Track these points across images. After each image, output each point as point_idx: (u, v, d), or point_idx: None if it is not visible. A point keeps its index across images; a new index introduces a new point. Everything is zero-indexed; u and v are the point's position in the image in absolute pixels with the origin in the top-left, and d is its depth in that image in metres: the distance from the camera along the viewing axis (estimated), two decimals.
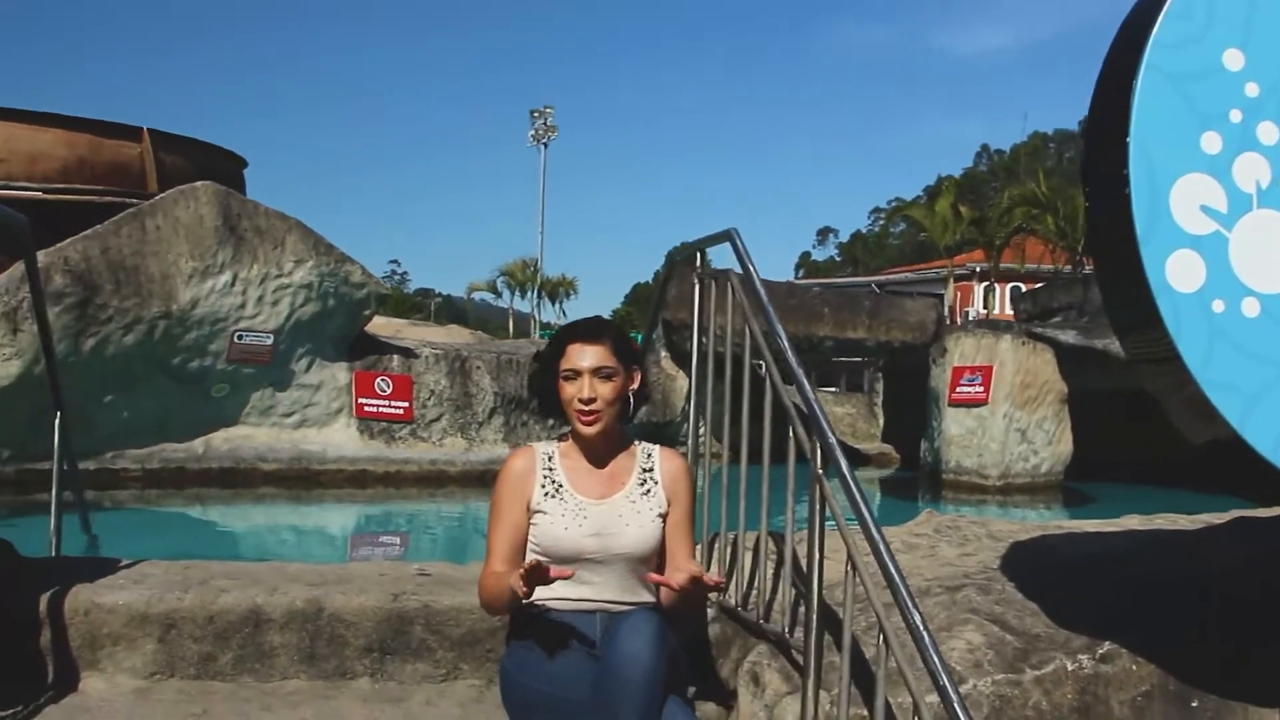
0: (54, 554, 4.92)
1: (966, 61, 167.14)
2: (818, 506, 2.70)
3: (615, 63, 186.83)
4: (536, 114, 62.82)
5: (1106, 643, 2.89)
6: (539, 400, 2.89)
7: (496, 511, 2.78)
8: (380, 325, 13.87)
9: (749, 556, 3.37)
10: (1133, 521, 4.74)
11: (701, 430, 3.80)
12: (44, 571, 3.71)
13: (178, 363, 9.54)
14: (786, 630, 3.00)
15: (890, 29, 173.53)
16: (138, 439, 9.46)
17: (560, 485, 2.77)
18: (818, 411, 2.73)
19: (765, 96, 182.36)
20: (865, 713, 2.61)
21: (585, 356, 2.74)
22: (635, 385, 2.82)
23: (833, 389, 20.42)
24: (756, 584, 3.24)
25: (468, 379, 11.11)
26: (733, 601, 3.38)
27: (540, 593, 2.56)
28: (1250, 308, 2.32)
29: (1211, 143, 2.33)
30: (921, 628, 2.21)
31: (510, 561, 2.70)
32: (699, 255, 3.90)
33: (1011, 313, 23.84)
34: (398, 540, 8.87)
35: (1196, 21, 2.33)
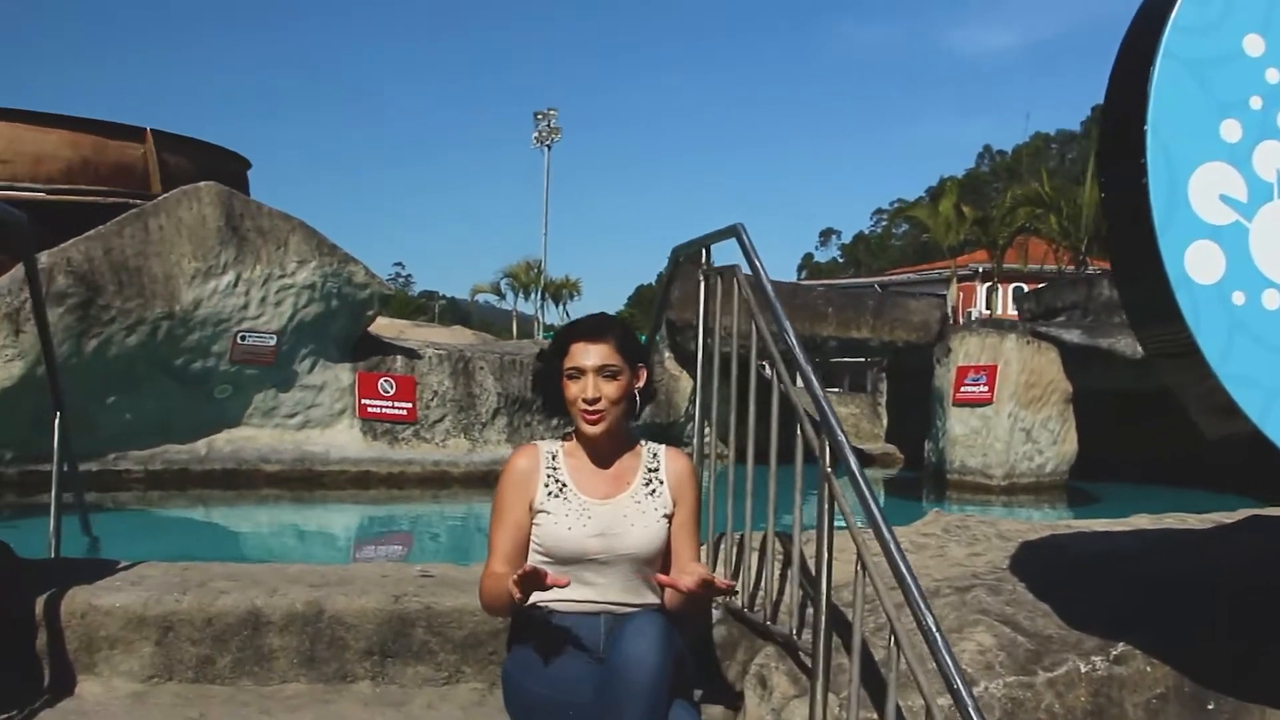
0: (53, 555, 4.88)
1: (968, 62, 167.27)
2: (826, 506, 2.64)
3: (618, 64, 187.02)
4: (540, 116, 62.98)
5: (1120, 644, 2.84)
6: (543, 399, 2.83)
7: (498, 511, 2.73)
8: (383, 326, 13.85)
9: (755, 557, 3.32)
10: (1142, 521, 4.69)
11: (706, 429, 3.75)
12: (42, 573, 3.67)
13: (180, 364, 9.52)
14: (794, 632, 2.95)
15: (892, 30, 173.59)
16: (140, 440, 9.43)
17: (564, 485, 2.72)
18: (827, 409, 2.68)
19: (767, 98, 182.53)
20: (875, 716, 2.56)
21: (589, 355, 2.69)
22: (640, 384, 2.76)
23: (836, 389, 20.35)
24: (763, 585, 3.19)
25: (471, 380, 11.07)
26: (739, 603, 3.33)
27: (543, 594, 2.51)
28: (1271, 300, 2.27)
29: (1231, 130, 2.27)
30: (934, 629, 2.16)
31: (512, 562, 2.65)
32: (704, 252, 3.85)
33: (1015, 313, 23.80)
34: (400, 541, 8.83)
35: (1215, 6, 2.27)
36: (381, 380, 10.56)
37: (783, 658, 2.97)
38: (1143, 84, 2.26)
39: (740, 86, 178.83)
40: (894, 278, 51.45)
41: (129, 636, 3.32)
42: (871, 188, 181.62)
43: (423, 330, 21.31)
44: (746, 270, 3.47)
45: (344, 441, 10.33)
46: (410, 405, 10.65)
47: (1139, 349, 12.01)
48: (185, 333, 9.40)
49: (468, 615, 3.41)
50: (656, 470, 2.78)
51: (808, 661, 2.75)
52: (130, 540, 6.99)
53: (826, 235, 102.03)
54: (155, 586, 3.47)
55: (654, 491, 2.75)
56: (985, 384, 11.86)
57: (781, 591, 3.13)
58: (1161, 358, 2.40)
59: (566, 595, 2.60)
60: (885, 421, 16.40)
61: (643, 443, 2.84)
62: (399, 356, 10.85)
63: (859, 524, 2.55)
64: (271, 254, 9.75)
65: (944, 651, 2.12)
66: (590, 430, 2.69)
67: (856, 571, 2.47)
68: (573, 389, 2.69)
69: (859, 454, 2.64)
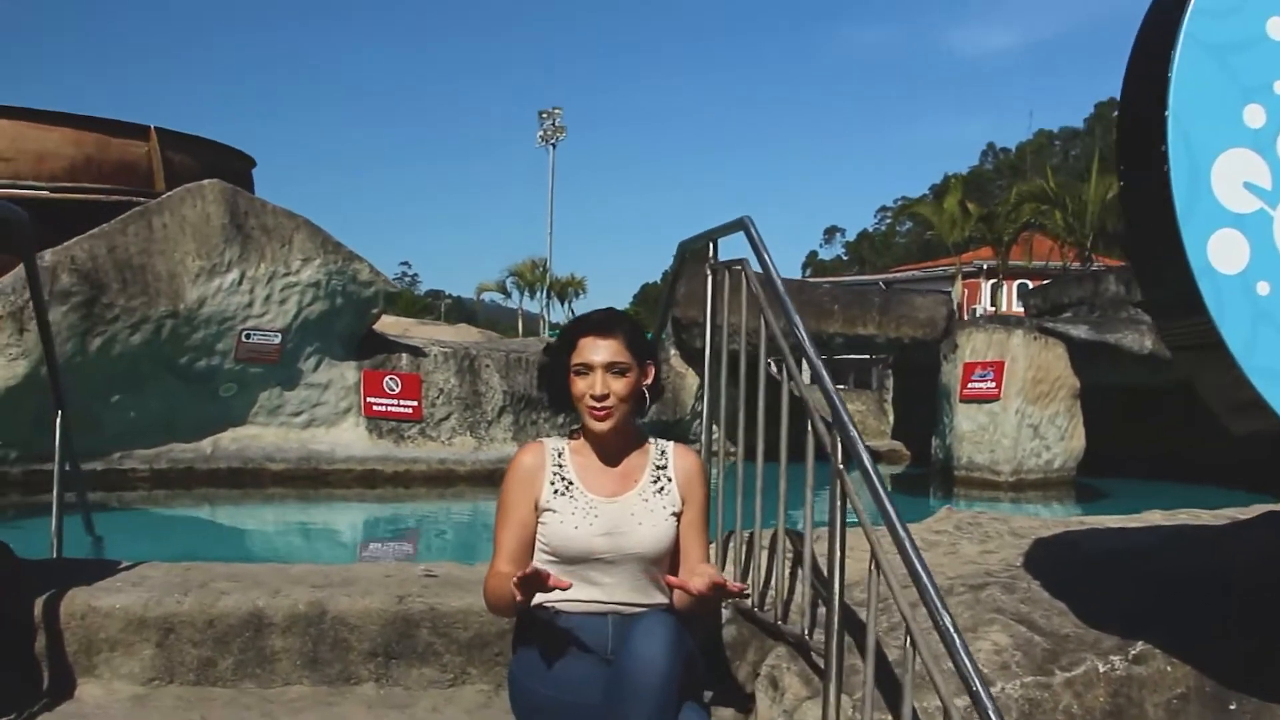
0: (55, 555, 4.84)
1: (970, 62, 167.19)
2: (839, 503, 2.59)
3: (622, 64, 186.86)
4: (545, 115, 62.96)
5: (1139, 643, 2.78)
6: (548, 395, 2.77)
7: (503, 509, 2.67)
8: (389, 325, 13.82)
9: (765, 555, 3.27)
10: (1156, 517, 4.64)
11: (714, 427, 3.69)
12: (42, 574, 3.62)
13: (185, 362, 9.49)
14: (806, 632, 2.90)
15: (892, 31, 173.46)
16: (145, 439, 9.41)
17: (570, 483, 2.66)
18: (838, 404, 2.62)
19: (771, 97, 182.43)
20: (889, 718, 2.50)
21: (598, 351, 2.63)
22: (649, 380, 2.71)
23: (841, 386, 20.29)
24: (774, 584, 3.13)
25: (477, 377, 11.03)
26: (749, 602, 3.27)
27: (549, 594, 2.45)
28: None
29: (1255, 116, 2.21)
30: (952, 629, 2.10)
31: (517, 561, 2.60)
32: (711, 246, 3.79)
33: (1020, 309, 23.72)
34: (406, 540, 8.79)
35: None
36: (387, 378, 10.52)
37: (794, 658, 2.92)
38: (1163, 70, 2.20)
39: (744, 86, 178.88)
40: (898, 275, 51.35)
41: (129, 638, 3.27)
42: (875, 186, 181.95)
43: (428, 328, 21.27)
44: (754, 264, 3.41)
45: (349, 440, 10.30)
46: (416, 403, 10.62)
47: (1146, 344, 12.07)
48: (190, 331, 9.37)
49: (473, 616, 3.36)
50: (665, 468, 2.72)
51: (820, 662, 2.70)
52: (135, 539, 6.97)
53: (831, 233, 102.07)
54: (156, 587, 3.42)
55: (662, 489, 2.69)
56: (992, 380, 11.82)
57: (792, 590, 3.08)
58: (1183, 351, 2.34)
59: (573, 595, 2.55)
60: (891, 418, 16.37)
61: (651, 440, 2.78)
62: (404, 354, 10.82)
63: (871, 522, 2.49)
64: (276, 252, 9.71)
65: (962, 653, 2.07)
66: (598, 427, 2.64)
67: (871, 570, 2.41)
68: (580, 385, 2.63)
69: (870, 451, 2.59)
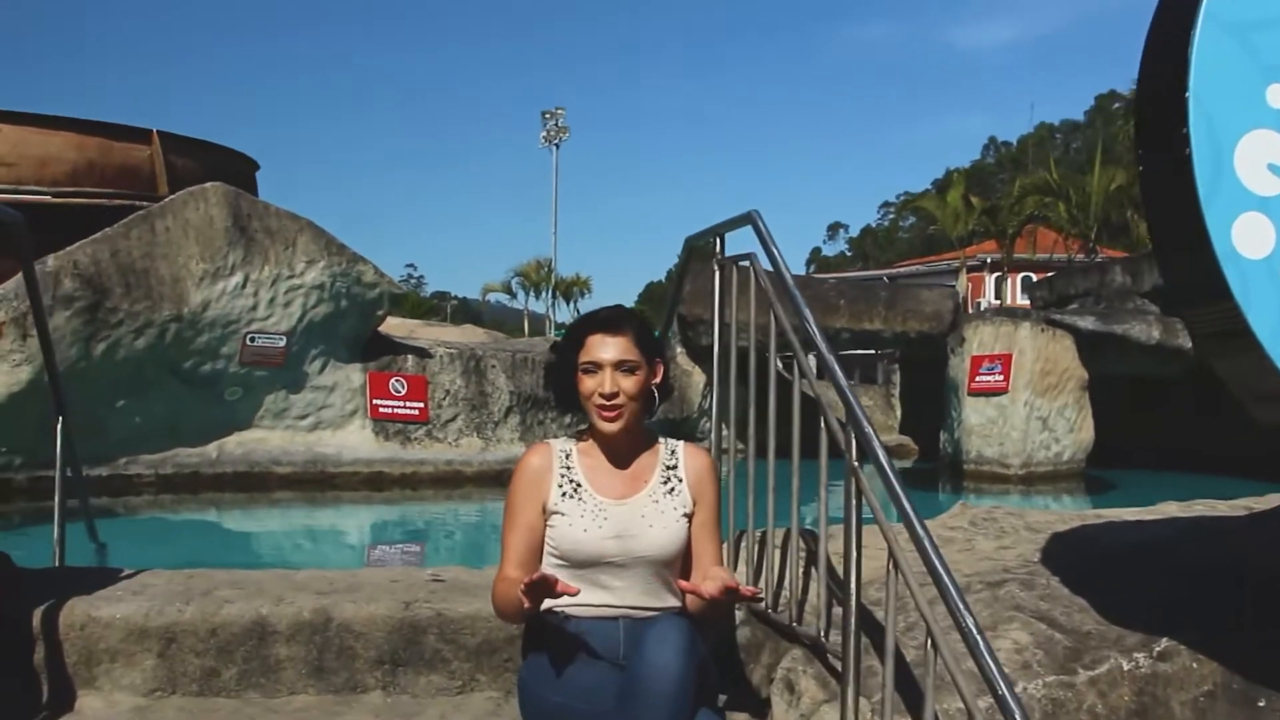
0: (57, 564, 4.78)
1: (970, 58, 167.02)
2: (853, 500, 2.52)
3: (624, 64, 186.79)
4: (548, 115, 62.93)
5: (1164, 639, 2.71)
6: (555, 394, 2.70)
7: (510, 513, 2.61)
8: (394, 327, 13.79)
9: (778, 555, 3.20)
10: (1171, 508, 4.58)
11: (724, 425, 3.63)
12: (42, 583, 3.55)
13: (189, 366, 9.45)
14: (821, 633, 2.83)
15: (892, 29, 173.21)
16: (150, 444, 9.37)
17: (579, 485, 2.60)
18: (852, 400, 2.56)
19: (773, 95, 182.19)
20: None
21: (606, 349, 2.56)
22: (658, 379, 2.64)
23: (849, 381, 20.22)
24: (787, 584, 3.06)
25: (483, 378, 10.98)
26: (763, 604, 3.20)
27: (559, 599, 2.39)
28: None
29: (1278, 96, 2.14)
30: (974, 630, 2.03)
31: (525, 565, 2.53)
32: (718, 241, 3.72)
33: (1025, 301, 23.63)
34: (413, 543, 8.74)
35: None
36: (393, 380, 10.48)
37: (810, 660, 2.85)
38: (1183, 50, 2.13)
39: (746, 85, 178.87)
40: (902, 270, 51.27)
41: (130, 649, 3.21)
42: (877, 182, 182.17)
43: (434, 329, 21.26)
44: (762, 259, 3.34)
45: (356, 442, 10.26)
46: (422, 405, 10.58)
47: (1153, 334, 12.02)
48: (194, 335, 9.33)
49: (481, 621, 3.29)
50: (675, 468, 2.66)
51: (837, 664, 2.63)
52: (140, 545, 6.93)
53: (834, 229, 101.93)
54: (157, 596, 3.36)
55: (673, 490, 2.63)
56: (1000, 373, 11.75)
57: (806, 591, 3.01)
58: (1208, 339, 2.27)
59: (583, 599, 2.49)
60: (899, 413, 16.29)
61: (660, 440, 2.72)
62: (410, 356, 10.77)
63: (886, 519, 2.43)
64: (280, 254, 9.67)
65: (985, 654, 2.00)
66: (607, 427, 2.57)
67: (888, 569, 2.34)
68: (589, 384, 2.57)
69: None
